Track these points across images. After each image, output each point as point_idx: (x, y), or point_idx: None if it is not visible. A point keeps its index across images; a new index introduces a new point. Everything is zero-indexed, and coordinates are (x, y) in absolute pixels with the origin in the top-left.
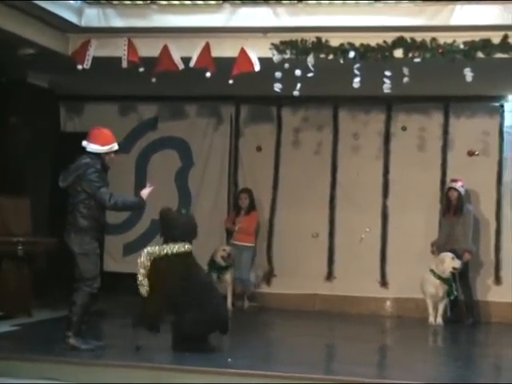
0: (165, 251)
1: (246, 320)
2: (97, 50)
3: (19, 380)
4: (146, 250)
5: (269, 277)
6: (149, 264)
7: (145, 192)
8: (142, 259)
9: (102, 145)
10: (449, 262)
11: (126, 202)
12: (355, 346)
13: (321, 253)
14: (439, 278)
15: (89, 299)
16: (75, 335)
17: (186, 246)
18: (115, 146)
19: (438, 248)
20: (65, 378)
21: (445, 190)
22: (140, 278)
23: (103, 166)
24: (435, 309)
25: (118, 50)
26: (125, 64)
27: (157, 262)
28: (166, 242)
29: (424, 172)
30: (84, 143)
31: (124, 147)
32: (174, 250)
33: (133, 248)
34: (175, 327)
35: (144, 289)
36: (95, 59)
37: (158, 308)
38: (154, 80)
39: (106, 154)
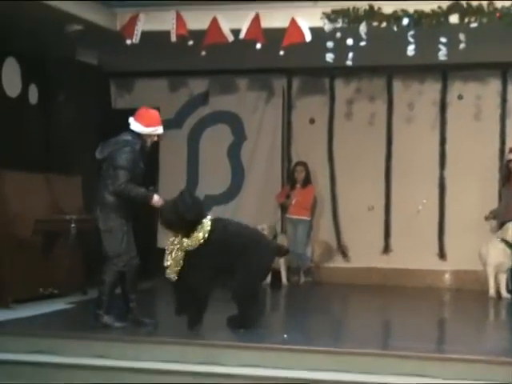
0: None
1: (301, 295)
2: (145, 24)
3: (69, 358)
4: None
5: (344, 253)
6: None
7: (156, 199)
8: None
9: (146, 126)
10: None
11: (133, 192)
12: (413, 319)
13: (377, 226)
14: (510, 246)
15: (116, 277)
16: (107, 313)
17: (208, 220)
18: (159, 130)
19: (495, 217)
20: (113, 356)
21: (504, 160)
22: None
23: (142, 148)
24: (496, 281)
25: (166, 23)
26: (173, 38)
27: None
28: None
29: (482, 141)
30: (130, 119)
31: (176, 122)
32: (206, 236)
33: None
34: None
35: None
36: (144, 34)
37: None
38: (203, 53)
39: (149, 136)
